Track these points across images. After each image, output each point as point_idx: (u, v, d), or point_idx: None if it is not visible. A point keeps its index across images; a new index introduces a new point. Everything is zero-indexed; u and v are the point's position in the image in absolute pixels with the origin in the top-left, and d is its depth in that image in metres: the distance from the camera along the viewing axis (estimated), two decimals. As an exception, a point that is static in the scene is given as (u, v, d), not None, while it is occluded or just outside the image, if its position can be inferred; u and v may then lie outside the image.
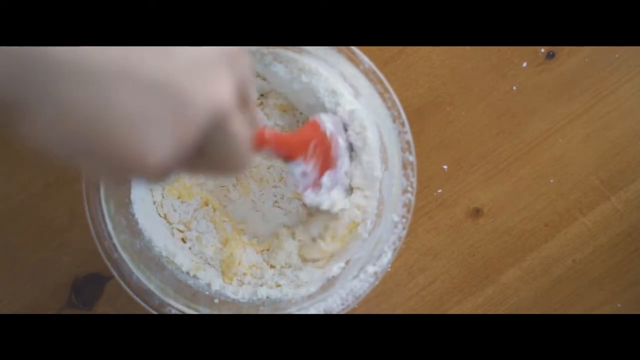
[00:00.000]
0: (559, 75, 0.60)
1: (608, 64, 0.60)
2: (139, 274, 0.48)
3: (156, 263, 0.51)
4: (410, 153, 0.49)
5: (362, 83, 0.50)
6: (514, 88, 0.59)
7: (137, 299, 0.48)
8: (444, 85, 0.59)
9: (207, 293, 0.52)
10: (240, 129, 0.30)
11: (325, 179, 0.50)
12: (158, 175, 0.27)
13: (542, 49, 0.59)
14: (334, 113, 0.52)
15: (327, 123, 0.50)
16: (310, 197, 0.50)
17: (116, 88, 0.24)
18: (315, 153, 0.49)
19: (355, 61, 0.49)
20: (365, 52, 0.49)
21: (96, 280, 0.57)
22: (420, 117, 0.59)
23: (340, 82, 0.52)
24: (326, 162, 0.50)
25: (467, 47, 0.59)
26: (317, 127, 0.50)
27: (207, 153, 0.29)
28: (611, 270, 0.60)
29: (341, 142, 0.51)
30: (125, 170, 0.26)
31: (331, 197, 0.51)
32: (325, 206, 0.51)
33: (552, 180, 0.60)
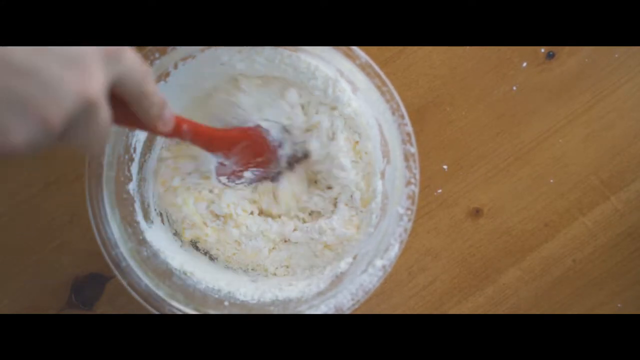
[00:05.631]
0: (559, 75, 0.60)
1: (608, 64, 0.60)
2: (148, 281, 0.48)
3: (164, 270, 0.51)
4: (412, 145, 0.49)
5: (360, 78, 0.50)
6: (514, 88, 0.59)
7: (148, 306, 0.48)
8: (444, 85, 0.59)
9: (216, 296, 0.52)
10: (105, 118, 0.32)
11: (249, 173, 0.54)
12: (22, 151, 0.29)
13: (542, 49, 0.59)
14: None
15: (272, 130, 0.53)
16: (223, 180, 0.55)
17: None
18: (244, 152, 0.52)
19: (351, 56, 0.49)
20: (365, 52, 0.49)
21: (96, 280, 0.57)
22: (420, 117, 0.59)
23: (338, 78, 0.52)
24: (253, 160, 0.54)
25: (467, 47, 0.59)
26: (254, 132, 0.53)
27: (71, 134, 0.31)
28: (611, 270, 0.60)
29: (281, 151, 0.55)
30: None
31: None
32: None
33: (552, 180, 0.60)
